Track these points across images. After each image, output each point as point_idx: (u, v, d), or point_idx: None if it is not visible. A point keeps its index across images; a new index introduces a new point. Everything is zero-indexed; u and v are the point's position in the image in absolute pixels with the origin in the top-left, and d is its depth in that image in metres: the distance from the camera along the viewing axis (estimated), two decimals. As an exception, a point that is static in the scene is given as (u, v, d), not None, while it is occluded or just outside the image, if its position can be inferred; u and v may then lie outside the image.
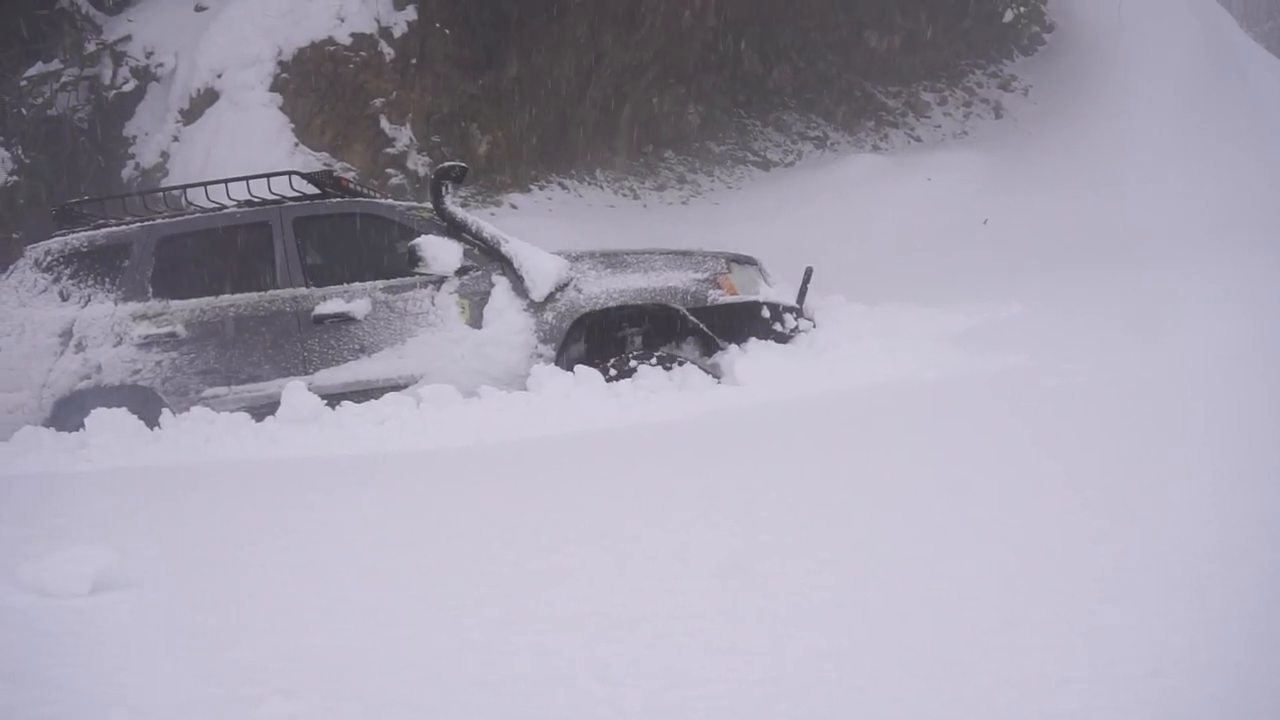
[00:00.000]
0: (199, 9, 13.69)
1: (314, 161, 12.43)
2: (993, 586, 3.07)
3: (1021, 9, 17.30)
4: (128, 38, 13.50)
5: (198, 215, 8.01)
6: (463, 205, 13.44)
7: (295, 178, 8.05)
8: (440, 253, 7.41)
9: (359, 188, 8.64)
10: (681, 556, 3.54)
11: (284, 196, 8.02)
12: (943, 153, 15.20)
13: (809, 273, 7.76)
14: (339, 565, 3.70)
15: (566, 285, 7.45)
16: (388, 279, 7.60)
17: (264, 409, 7.19)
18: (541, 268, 7.41)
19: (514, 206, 13.79)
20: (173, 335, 7.61)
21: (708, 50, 15.54)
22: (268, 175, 8.04)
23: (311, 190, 8.15)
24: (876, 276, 10.46)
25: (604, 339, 7.61)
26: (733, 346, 7.31)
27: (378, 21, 13.17)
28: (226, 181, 8.05)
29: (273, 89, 12.70)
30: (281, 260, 7.69)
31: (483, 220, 7.78)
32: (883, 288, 9.25)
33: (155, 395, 7.56)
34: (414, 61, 13.42)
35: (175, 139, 12.73)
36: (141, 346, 7.63)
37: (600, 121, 15.26)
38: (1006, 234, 12.18)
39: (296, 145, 12.52)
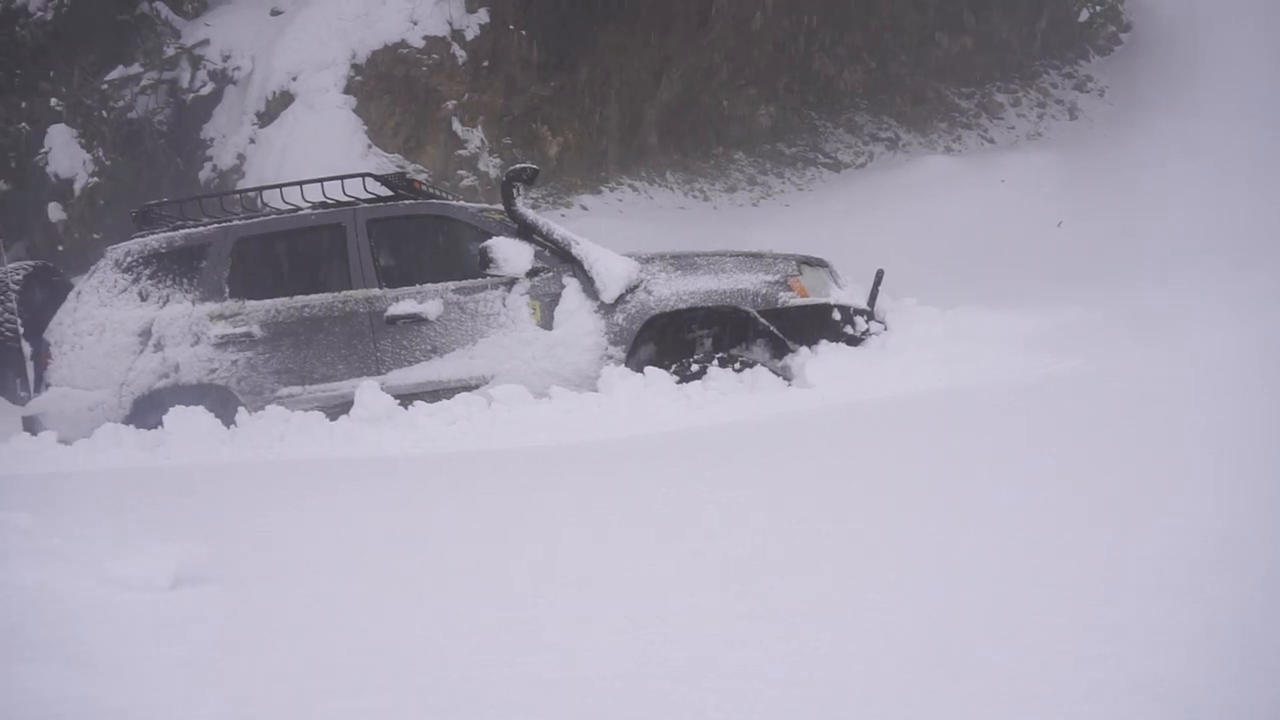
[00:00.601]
0: (275, 13, 13.86)
1: (387, 163, 12.54)
2: (1081, 600, 3.01)
3: (1097, 8, 17.10)
4: (205, 42, 13.70)
5: (273, 217, 8.10)
6: (533, 207, 13.50)
7: (369, 180, 8.12)
8: (511, 254, 7.44)
9: (431, 189, 8.70)
10: (758, 558, 3.52)
11: (357, 198, 8.10)
12: (1016, 154, 15.03)
13: (880, 275, 7.70)
14: (412, 562, 3.73)
15: (637, 287, 7.45)
16: (459, 280, 7.65)
17: (337, 408, 7.27)
18: (612, 270, 7.42)
19: (584, 208, 13.83)
20: (248, 335, 7.71)
21: (779, 51, 15.49)
22: (342, 177, 8.12)
23: (384, 192, 8.21)
24: (949, 279, 10.35)
25: (674, 341, 7.61)
26: (803, 349, 7.27)
27: (450, 24, 13.27)
28: (301, 184, 8.14)
29: (347, 91, 12.84)
30: (355, 261, 7.76)
31: (554, 222, 7.80)
32: (955, 290, 9.14)
33: (231, 394, 7.66)
34: (486, 64, 13.51)
35: (251, 141, 12.91)
36: (218, 346, 7.73)
37: (670, 123, 15.26)
38: (1082, 237, 12.02)
39: (370, 147, 12.64)
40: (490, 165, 13.25)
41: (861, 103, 17.04)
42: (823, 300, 7.43)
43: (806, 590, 3.20)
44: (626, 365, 7.31)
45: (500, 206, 7.90)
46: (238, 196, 8.60)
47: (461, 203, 8.41)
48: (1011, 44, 17.62)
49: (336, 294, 7.73)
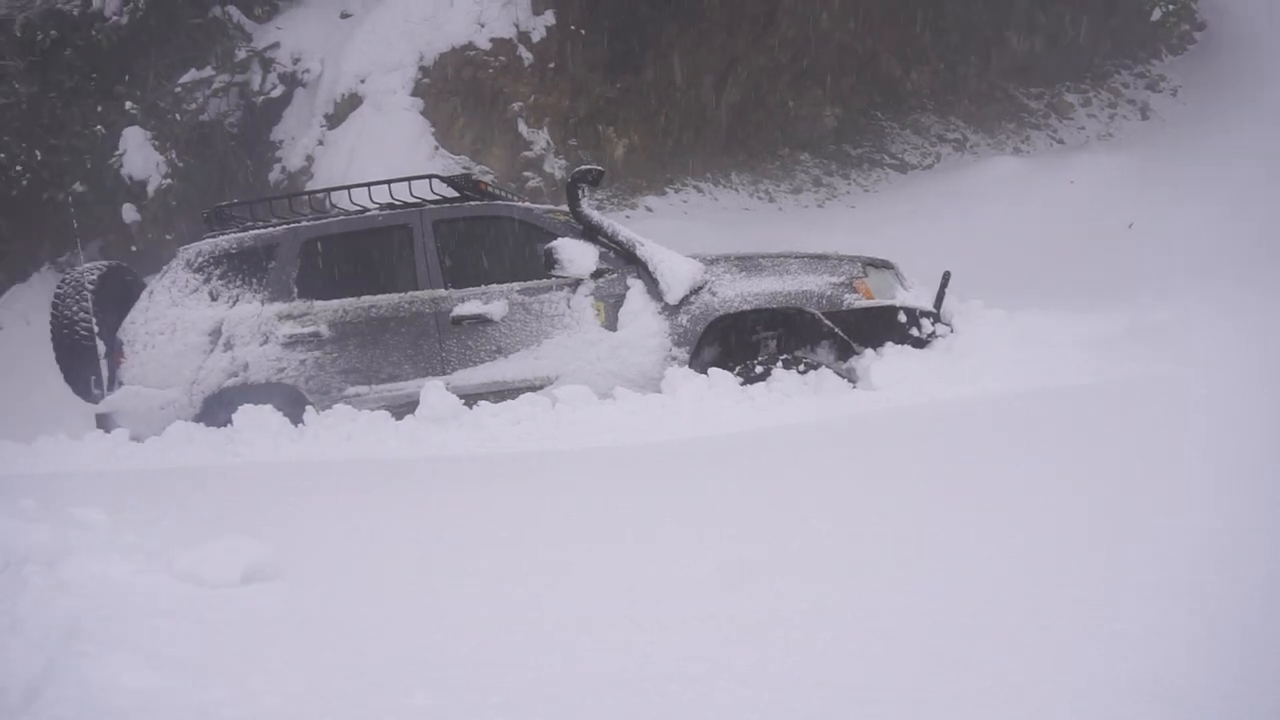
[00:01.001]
0: (344, 16, 14.00)
1: (453, 165, 12.63)
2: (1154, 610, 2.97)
3: (1170, 7, 16.79)
4: (276, 45, 13.87)
5: (341, 218, 8.18)
6: (598, 208, 13.54)
7: (435, 181, 8.16)
8: (576, 255, 7.45)
9: (497, 191, 8.74)
10: (827, 560, 3.51)
11: (424, 200, 8.16)
12: (1086, 155, 14.83)
13: (947, 277, 7.63)
14: (482, 560, 3.75)
15: (701, 288, 7.43)
16: (524, 281, 7.68)
17: (403, 408, 7.30)
18: (676, 271, 7.41)
19: (649, 209, 13.84)
20: (316, 335, 7.77)
21: (845, 52, 15.41)
22: (409, 179, 8.17)
23: (451, 194, 8.25)
24: (1016, 281, 10.24)
25: (738, 343, 7.59)
26: (868, 351, 7.22)
27: (516, 26, 13.33)
28: (369, 185, 8.21)
29: (414, 93, 12.94)
30: (422, 262, 7.80)
31: (618, 224, 7.80)
32: (1022, 292, 9.04)
33: (299, 393, 7.73)
34: (552, 66, 13.56)
35: (320, 143, 13.04)
36: (286, 345, 7.80)
37: (736, 124, 15.23)
38: (1152, 239, 11.81)
39: (437, 149, 12.74)
40: (555, 167, 13.30)
41: (928, 103, 16.92)
42: (888, 302, 7.37)
43: (861, 590, 3.19)
44: (690, 367, 7.29)
45: (565, 208, 7.92)
46: (306, 198, 8.68)
47: (527, 204, 8.44)
48: (1082, 43, 17.39)
49: (403, 294, 7.78)
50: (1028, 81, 17.32)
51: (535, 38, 13.39)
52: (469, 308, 7.62)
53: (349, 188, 8.35)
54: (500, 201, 8.19)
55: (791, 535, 3.83)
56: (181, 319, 8.00)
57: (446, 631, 3.04)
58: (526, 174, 13.19)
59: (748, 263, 7.56)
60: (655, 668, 2.71)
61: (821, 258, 7.58)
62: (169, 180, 13.16)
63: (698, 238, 12.39)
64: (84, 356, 8.17)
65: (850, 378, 7.12)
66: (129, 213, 13.16)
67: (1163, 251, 11.19)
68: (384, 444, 6.60)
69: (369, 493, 5.16)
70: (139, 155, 13.23)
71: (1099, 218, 12.39)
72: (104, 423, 7.92)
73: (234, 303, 7.99)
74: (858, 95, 16.19)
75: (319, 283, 7.95)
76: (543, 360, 7.51)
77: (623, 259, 7.60)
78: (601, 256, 7.56)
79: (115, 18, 14.06)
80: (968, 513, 3.94)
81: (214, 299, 8.05)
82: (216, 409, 7.74)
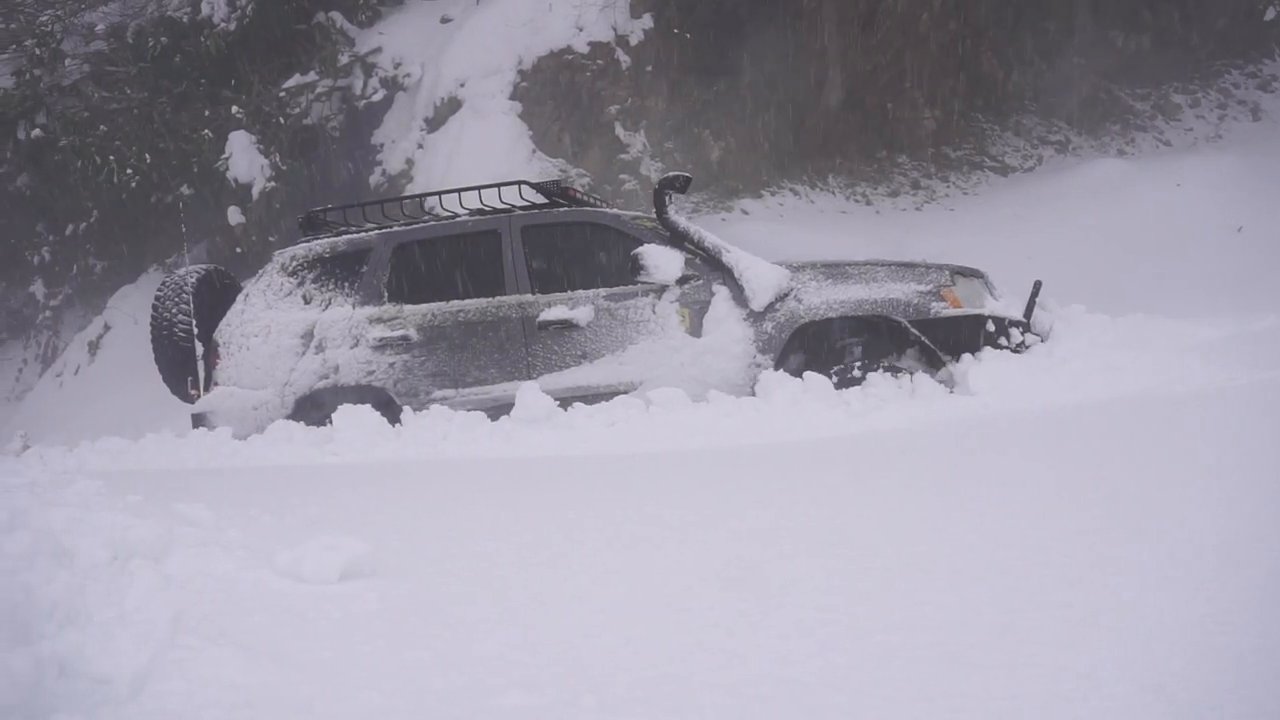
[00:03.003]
0: (444, 20, 14.17)
1: (551, 167, 12.70)
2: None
3: (1285, 5, 16.32)
4: (378, 50, 14.08)
5: (432, 223, 8.28)
6: (694, 212, 13.56)
7: (526, 188, 8.23)
8: (662, 262, 7.47)
9: (586, 196, 8.78)
10: (921, 569, 3.46)
11: (514, 206, 8.22)
12: (1194, 157, 14.46)
13: (1038, 286, 7.52)
14: (576, 561, 3.76)
15: (787, 295, 7.41)
16: (611, 287, 7.71)
17: (490, 411, 7.37)
18: (762, 277, 7.39)
19: (745, 212, 13.80)
20: (405, 338, 7.88)
21: (945, 53, 15.20)
22: (499, 185, 8.25)
23: (541, 200, 8.32)
24: (1120, 285, 10.05)
25: (825, 350, 7.53)
26: (966, 356, 7.14)
27: (614, 30, 13.38)
28: (460, 190, 8.30)
29: (512, 97, 13.04)
30: (510, 267, 7.88)
31: (704, 230, 7.80)
32: (1126, 297, 8.87)
33: (388, 395, 7.85)
34: (649, 69, 13.58)
35: (419, 146, 13.20)
36: (376, 349, 7.92)
37: (833, 126, 15.12)
38: (1262, 242, 11.50)
39: (534, 151, 12.82)
40: (652, 170, 13.32)
41: (1030, 105, 16.65)
42: (976, 311, 7.29)
43: (965, 601, 3.14)
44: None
45: (653, 214, 7.94)
46: (400, 203, 8.82)
47: (615, 210, 8.47)
48: (1190, 43, 16.97)
49: (490, 299, 7.86)
50: (1133, 82, 16.95)
51: (633, 41, 13.43)
52: (555, 313, 7.68)
53: (440, 193, 8.47)
54: (588, 208, 8.23)
55: (887, 544, 3.79)
56: (275, 321, 8.16)
57: (541, 631, 3.05)
58: (623, 177, 13.23)
59: (834, 270, 7.52)
60: (745, 670, 2.70)
61: (909, 265, 7.52)
62: (273, 183, 13.42)
63: (793, 241, 12.33)
64: (181, 357, 8.38)
65: (947, 384, 7.05)
66: (234, 215, 13.44)
67: (1273, 255, 10.89)
68: (479, 444, 6.66)
69: (463, 492, 5.20)
70: (244, 158, 13.51)
71: (1206, 221, 12.08)
72: (199, 422, 8.12)
73: (326, 306, 8.13)
74: (958, 97, 15.97)
75: (410, 287, 8.06)
76: (627, 366, 7.55)
77: (709, 265, 7.60)
78: (687, 263, 7.58)
79: (223, 24, 14.39)
80: (1088, 521, 3.85)
81: (307, 302, 8.19)
82: (308, 410, 7.92)
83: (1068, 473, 4.64)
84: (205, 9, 14.62)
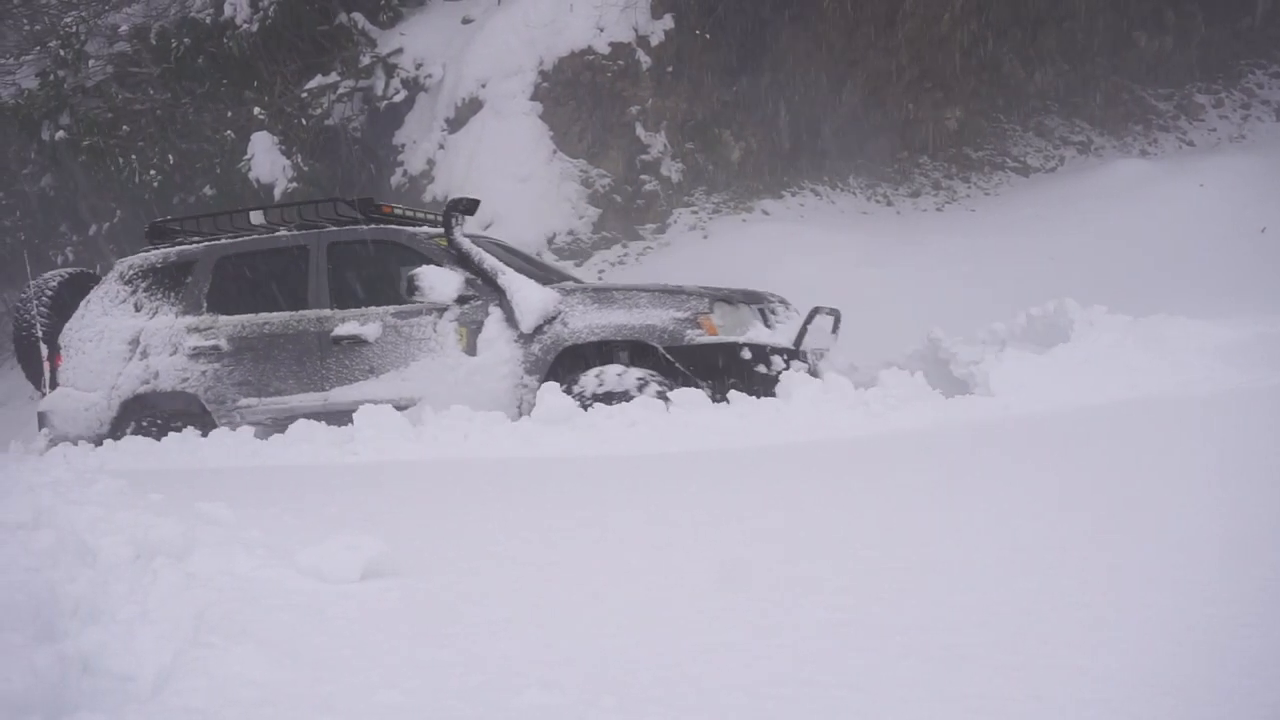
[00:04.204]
0: (465, 21, 14.20)
1: (571, 167, 12.73)
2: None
3: (1310, 5, 16.24)
4: (399, 50, 14.12)
5: (252, 237, 8.50)
6: (715, 212, 13.56)
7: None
8: (437, 282, 7.65)
9: (409, 213, 8.76)
10: (939, 570, 3.46)
11: (328, 222, 8.39)
12: (1217, 157, 14.39)
13: (812, 314, 7.72)
14: (596, 561, 3.77)
15: (555, 319, 7.53)
16: (400, 305, 7.87)
17: (285, 423, 7.62)
18: (530, 300, 7.54)
19: (765, 213, 13.79)
20: (216, 348, 8.20)
21: (967, 54, 15.16)
22: (317, 202, 8.44)
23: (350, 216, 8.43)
24: (1142, 286, 10.01)
25: (586, 369, 7.58)
26: (989, 355, 7.12)
27: (635, 30, 13.39)
28: (282, 206, 8.53)
29: (533, 97, 13.08)
30: (314, 282, 8.11)
31: (486, 252, 7.88)
32: (1148, 298, 8.84)
33: (199, 402, 8.19)
34: (670, 69, 13.59)
35: (441, 146, 13.24)
36: (191, 356, 8.27)
37: (854, 127, 15.11)
38: (1287, 244, 11.46)
39: (555, 152, 12.85)
40: (673, 170, 13.33)
41: (1052, 105, 16.60)
42: (731, 339, 7.33)
43: (982, 603, 3.13)
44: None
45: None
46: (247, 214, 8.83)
47: (421, 230, 8.37)
48: (1214, 43, 16.89)
49: (292, 313, 8.13)
50: (1156, 82, 16.88)
51: (654, 41, 13.44)
52: (348, 328, 7.91)
53: (265, 209, 8.59)
54: (389, 226, 8.26)
55: (903, 545, 3.78)
56: (108, 327, 8.54)
57: (560, 631, 3.06)
58: (644, 177, 13.25)
59: (601, 295, 7.64)
60: (764, 670, 2.70)
61: (673, 292, 7.55)
62: (294, 184, 13.49)
63: (812, 241, 12.34)
64: (36, 357, 8.77)
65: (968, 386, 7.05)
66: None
67: (1297, 257, 10.84)
68: (498, 444, 6.67)
69: (483, 492, 5.22)
70: (266, 159, 13.59)
71: (1229, 222, 12.03)
72: (41, 421, 8.57)
73: (154, 314, 8.48)
74: (979, 98, 15.94)
75: (227, 299, 8.36)
76: (409, 382, 7.77)
77: (490, 287, 7.69)
78: (469, 283, 7.75)
79: (246, 25, 14.46)
80: (1107, 523, 3.84)
81: (137, 310, 8.56)
82: (132, 413, 8.32)
83: (1086, 474, 4.63)
84: (228, 10, 14.70)
